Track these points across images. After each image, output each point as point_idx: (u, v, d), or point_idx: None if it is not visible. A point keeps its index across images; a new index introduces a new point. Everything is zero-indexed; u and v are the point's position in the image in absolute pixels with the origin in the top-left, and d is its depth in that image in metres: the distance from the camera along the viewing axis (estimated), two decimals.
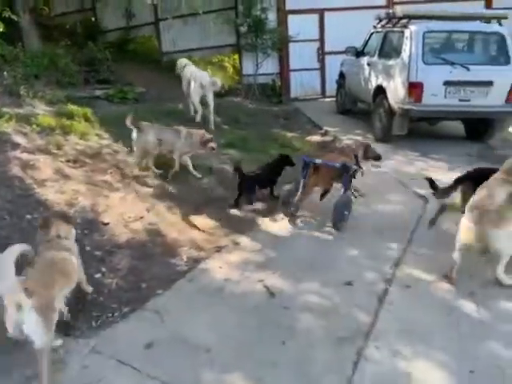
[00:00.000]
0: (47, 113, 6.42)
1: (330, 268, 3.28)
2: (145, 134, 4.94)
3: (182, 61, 8.00)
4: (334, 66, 10.68)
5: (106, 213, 4.06)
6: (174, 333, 2.56)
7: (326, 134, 7.90)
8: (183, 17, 10.45)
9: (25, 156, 4.76)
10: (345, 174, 3.98)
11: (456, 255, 3.00)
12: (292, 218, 4.13)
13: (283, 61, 11.04)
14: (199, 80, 7.30)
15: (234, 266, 3.33)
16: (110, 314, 2.78)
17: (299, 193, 4.10)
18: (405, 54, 6.30)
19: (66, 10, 12.19)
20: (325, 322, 2.63)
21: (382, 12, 7.88)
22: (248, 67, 10.87)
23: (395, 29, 6.93)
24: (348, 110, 9.20)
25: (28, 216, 3.72)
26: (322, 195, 4.42)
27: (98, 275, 3.21)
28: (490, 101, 6.13)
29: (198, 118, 7.55)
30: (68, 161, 4.96)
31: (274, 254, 3.53)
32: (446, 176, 5.38)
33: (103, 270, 3.28)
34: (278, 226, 4.10)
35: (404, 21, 6.66)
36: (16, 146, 4.96)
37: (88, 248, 3.50)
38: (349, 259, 3.41)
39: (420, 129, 7.51)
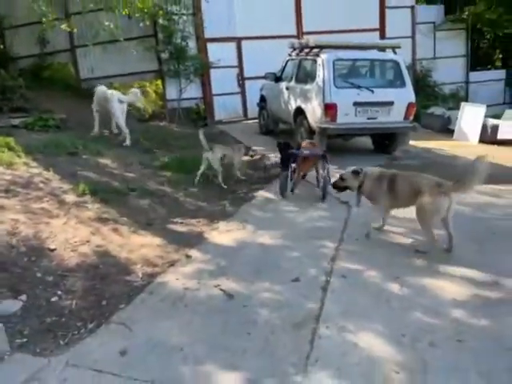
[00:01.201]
0: None
1: (276, 269, 3.66)
2: (215, 153, 6.26)
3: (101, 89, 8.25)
4: (253, 89, 11.46)
5: (50, 239, 4.03)
6: (144, 339, 2.72)
7: (253, 153, 8.43)
8: (102, 44, 10.45)
9: None
10: (323, 159, 5.61)
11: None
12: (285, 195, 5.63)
13: (206, 86, 11.52)
14: (117, 98, 7.64)
15: (189, 276, 3.56)
16: (76, 332, 2.85)
17: (295, 176, 5.72)
18: (319, 79, 7.09)
19: None
20: (280, 313, 2.98)
21: (295, 41, 8.73)
22: (171, 92, 11.15)
23: (308, 57, 7.76)
24: (271, 130, 9.87)
25: None
26: (304, 176, 6.00)
27: (54, 298, 3.23)
28: (392, 118, 7.13)
29: (128, 142, 7.73)
30: None
31: (224, 262, 3.82)
32: None
33: (59, 293, 3.31)
34: (224, 237, 4.40)
35: (316, 50, 7.50)
36: None
37: (39, 274, 3.49)
38: (292, 260, 3.83)
39: (335, 145, 8.36)
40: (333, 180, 4.78)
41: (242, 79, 11.94)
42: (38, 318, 3.03)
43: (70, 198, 4.96)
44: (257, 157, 8.09)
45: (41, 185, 5.22)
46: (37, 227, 4.16)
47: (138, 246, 4.17)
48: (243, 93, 12.07)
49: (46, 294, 3.26)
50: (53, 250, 3.87)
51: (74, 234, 4.20)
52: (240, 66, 11.88)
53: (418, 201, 3.82)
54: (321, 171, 5.68)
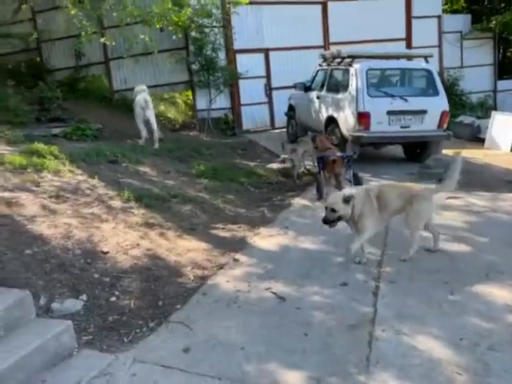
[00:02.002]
0: (12, 152, 6.37)
1: (323, 273, 3.73)
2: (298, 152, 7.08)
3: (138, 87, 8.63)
4: (280, 99, 11.62)
5: (103, 242, 4.20)
6: (205, 337, 2.82)
7: (284, 161, 8.55)
8: (135, 56, 10.79)
9: (6, 195, 4.76)
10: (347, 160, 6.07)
11: None
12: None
13: (234, 96, 11.73)
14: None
15: (239, 279, 3.66)
16: (138, 330, 2.98)
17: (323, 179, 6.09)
18: (352, 88, 7.18)
19: (9, 50, 12.00)
20: (334, 315, 3.04)
21: (327, 52, 8.85)
22: (201, 103, 11.40)
23: (340, 67, 7.86)
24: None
25: (28, 251, 3.77)
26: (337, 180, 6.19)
27: (113, 298, 3.38)
28: (425, 126, 7.15)
29: (156, 145, 8.13)
30: (50, 197, 5.01)
31: (271, 266, 3.91)
32: None
33: (116, 293, 3.45)
34: (267, 242, 4.50)
35: (348, 60, 7.60)
36: None
37: (96, 275, 3.65)
38: (337, 265, 3.90)
39: (366, 153, 8.40)
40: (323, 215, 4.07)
41: (269, 89, 12.12)
42: (100, 316, 3.18)
43: (117, 203, 5.14)
44: (288, 165, 8.23)
45: (88, 191, 5.42)
46: (89, 231, 4.34)
47: (185, 249, 4.30)
48: (270, 102, 12.24)
49: (105, 294, 3.41)
50: (106, 253, 4.03)
51: (124, 237, 4.36)
52: (268, 76, 12.07)
53: (413, 207, 3.87)
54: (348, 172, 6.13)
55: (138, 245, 4.27)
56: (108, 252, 4.05)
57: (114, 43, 9.39)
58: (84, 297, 3.36)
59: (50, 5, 10.63)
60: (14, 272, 3.43)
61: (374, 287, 3.44)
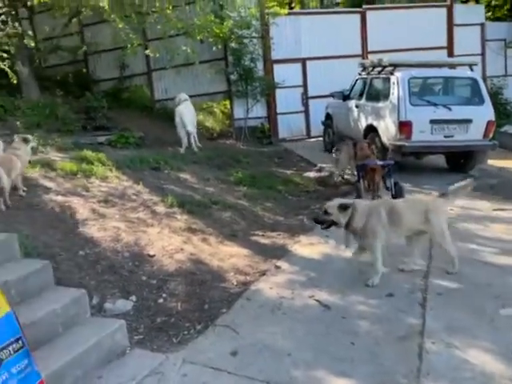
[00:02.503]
0: (62, 159, 6.70)
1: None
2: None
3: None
4: (316, 108, 11.63)
5: (149, 246, 4.35)
6: (251, 341, 2.87)
7: (320, 169, 8.54)
8: (176, 67, 11.12)
9: (59, 198, 5.02)
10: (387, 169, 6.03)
11: None
12: None
13: (271, 105, 11.83)
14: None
15: (282, 286, 3.69)
16: (186, 332, 3.06)
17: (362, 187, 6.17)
18: (393, 97, 7.10)
19: (58, 62, 12.66)
20: (381, 326, 3.01)
21: (367, 60, 8.81)
22: (239, 112, 11.57)
23: (381, 75, 7.79)
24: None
25: (81, 252, 3.96)
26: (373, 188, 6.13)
27: (160, 300, 3.49)
28: (470, 136, 6.96)
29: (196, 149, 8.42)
30: (99, 201, 5.23)
31: (313, 274, 3.91)
32: None
33: (164, 295, 3.56)
34: (308, 250, 4.51)
35: (389, 68, 7.53)
36: (47, 189, 5.22)
37: (143, 277, 3.78)
38: (382, 275, 3.83)
39: (408, 163, 8.25)
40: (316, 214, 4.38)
41: (306, 98, 12.15)
42: (149, 317, 3.29)
43: (161, 209, 5.30)
44: (325, 173, 8.20)
45: (133, 196, 5.63)
46: (136, 234, 4.50)
47: (228, 255, 4.38)
48: (307, 111, 12.25)
49: (153, 296, 3.53)
50: (152, 256, 4.17)
51: (168, 242, 4.49)
52: (304, 85, 12.11)
53: (432, 222, 3.71)
54: (388, 181, 6.07)
55: (182, 249, 4.39)
56: (154, 255, 4.19)
57: (157, 55, 9.72)
58: (133, 298, 3.49)
59: (97, 19, 11.15)
60: (68, 272, 3.61)
61: (421, 299, 3.38)
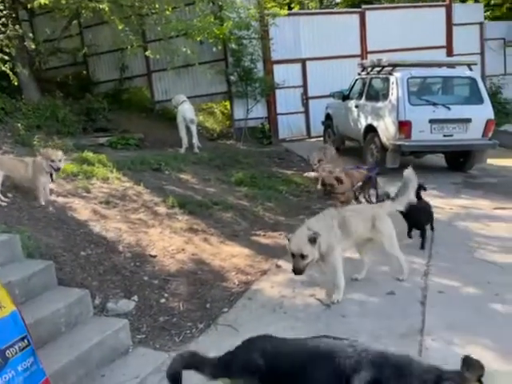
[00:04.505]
0: (63, 160, 6.72)
1: (368, 282, 3.72)
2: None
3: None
4: (316, 108, 11.65)
5: (150, 247, 4.38)
6: None
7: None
8: (176, 68, 11.15)
9: (60, 200, 5.05)
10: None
11: None
12: None
13: (271, 106, 11.86)
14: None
15: (283, 285, 3.71)
16: (188, 331, 3.09)
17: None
18: (392, 97, 7.13)
19: (58, 64, 12.69)
20: (382, 323, 3.03)
21: (366, 60, 8.83)
22: (239, 112, 11.60)
23: (380, 75, 7.82)
24: (336, 148, 9.92)
25: (83, 253, 3.99)
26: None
27: (162, 300, 3.52)
28: (469, 135, 6.98)
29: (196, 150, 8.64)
30: (101, 202, 5.26)
31: (314, 273, 3.93)
32: (441, 202, 6.10)
33: (165, 295, 3.59)
34: None
35: (388, 68, 7.56)
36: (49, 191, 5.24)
37: (145, 278, 3.81)
38: (383, 274, 3.87)
39: (407, 162, 8.27)
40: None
41: (306, 98, 12.17)
42: (151, 316, 3.32)
43: (162, 209, 5.33)
44: (325, 172, 8.22)
45: (134, 197, 5.65)
46: (137, 235, 4.52)
47: (229, 255, 4.41)
48: (307, 112, 12.28)
49: (155, 296, 3.56)
50: (154, 257, 4.20)
51: (170, 242, 4.52)
52: (304, 85, 12.14)
53: (378, 229, 3.62)
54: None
55: (183, 249, 4.42)
56: (156, 256, 4.21)
57: (157, 56, 9.74)
58: (135, 298, 3.52)
59: (97, 20, 11.18)
60: (70, 273, 3.63)
61: (421, 297, 3.40)
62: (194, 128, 8.80)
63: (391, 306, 3.27)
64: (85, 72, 13.11)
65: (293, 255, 3.19)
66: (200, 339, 2.97)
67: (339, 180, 5.43)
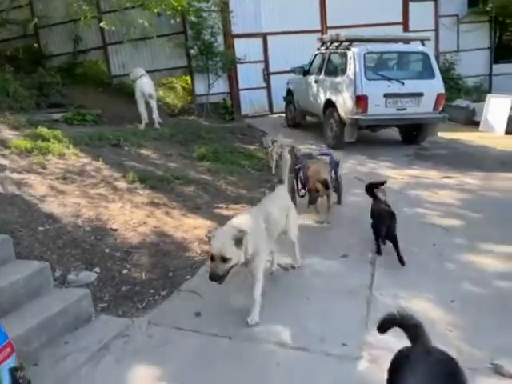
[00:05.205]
0: (16, 136, 6.47)
1: (324, 247, 3.93)
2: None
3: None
4: (278, 84, 11.69)
5: (111, 221, 4.37)
6: (216, 303, 3.03)
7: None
8: (133, 41, 10.80)
9: (15, 176, 4.90)
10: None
11: None
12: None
13: (232, 81, 11.79)
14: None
15: None
16: (151, 298, 3.17)
17: None
18: (350, 72, 7.29)
19: (7, 36, 11.96)
20: (334, 282, 3.25)
21: (325, 36, 8.92)
22: (200, 88, 11.46)
23: (338, 50, 7.95)
24: (298, 123, 10.09)
25: (41, 228, 3.94)
26: None
27: (125, 271, 3.56)
28: (421, 109, 7.30)
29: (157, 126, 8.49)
30: (58, 178, 5.15)
31: None
32: (394, 172, 6.41)
33: (128, 266, 3.63)
34: None
35: (346, 44, 7.69)
36: (2, 167, 5.07)
37: (107, 250, 3.83)
38: (338, 239, 4.08)
39: (363, 136, 8.56)
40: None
41: (267, 74, 12.18)
42: (114, 287, 3.36)
43: (122, 184, 5.29)
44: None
45: (93, 173, 5.56)
46: (97, 210, 4.50)
47: (191, 227, 4.48)
48: (269, 87, 12.30)
49: (117, 267, 3.59)
50: (115, 230, 4.21)
51: (131, 216, 4.52)
52: (266, 60, 12.12)
53: (290, 216, 3.42)
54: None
55: (145, 223, 4.44)
56: (117, 229, 4.22)
57: (113, 28, 9.39)
58: (97, 269, 3.54)
59: None
60: (28, 247, 3.59)
61: (371, 258, 3.64)
62: (153, 103, 8.64)
63: (344, 267, 3.49)
64: (36, 45, 12.46)
65: (212, 258, 2.60)
66: (163, 305, 3.06)
67: (323, 183, 4.55)
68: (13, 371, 1.97)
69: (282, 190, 3.61)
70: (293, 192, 4.85)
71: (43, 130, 6.68)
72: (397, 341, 1.91)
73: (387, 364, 1.76)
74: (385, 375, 1.75)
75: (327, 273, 3.40)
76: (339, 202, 5.21)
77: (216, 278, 2.60)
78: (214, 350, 2.56)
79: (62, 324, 2.68)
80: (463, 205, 4.99)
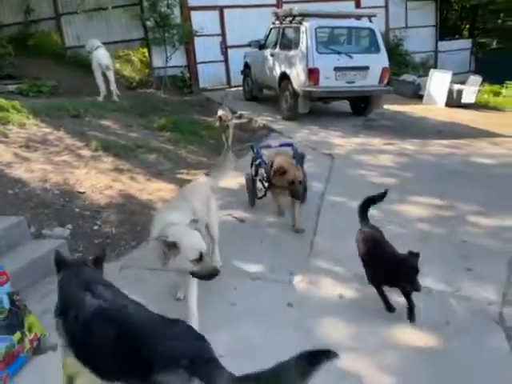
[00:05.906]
0: None
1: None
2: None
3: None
4: (236, 57, 11.89)
5: (78, 185, 4.64)
6: None
7: (241, 116, 9.08)
8: (88, 12, 10.63)
9: None
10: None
11: None
12: None
13: (190, 54, 11.88)
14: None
15: None
16: (122, 247, 3.56)
17: None
18: (303, 46, 7.72)
19: None
20: (283, 230, 3.77)
21: (279, 10, 9.24)
22: (157, 60, 11.48)
23: (292, 25, 8.33)
24: (255, 96, 10.45)
25: (10, 191, 4.16)
26: None
27: (95, 227, 3.91)
28: (368, 82, 7.87)
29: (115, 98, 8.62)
30: (21, 146, 5.29)
31: (232, 199, 4.56)
32: (343, 141, 7.00)
33: (98, 223, 3.98)
34: (228, 183, 5.08)
35: (299, 18, 8.07)
36: None
37: (77, 210, 4.13)
38: None
39: (317, 108, 9.08)
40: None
41: (225, 47, 12.35)
42: (87, 240, 3.71)
43: (86, 152, 5.52)
44: (244, 120, 8.79)
45: (56, 142, 5.73)
46: (64, 175, 4.75)
47: (155, 190, 4.84)
48: (226, 61, 12.49)
49: (88, 224, 3.93)
50: (82, 193, 4.50)
51: (97, 180, 4.81)
52: (223, 34, 12.26)
53: (212, 207, 3.24)
54: None
55: (111, 186, 4.75)
56: (84, 192, 4.51)
57: None
58: (69, 226, 3.86)
59: None
60: (1, 209, 3.83)
61: (317, 210, 4.18)
62: (111, 75, 8.67)
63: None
64: None
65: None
66: (134, 253, 3.45)
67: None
68: (10, 295, 2.31)
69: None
70: (253, 194, 4.36)
71: (1, 101, 6.68)
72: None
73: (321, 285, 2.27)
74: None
75: (278, 223, 3.94)
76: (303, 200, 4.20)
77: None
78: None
79: (44, 268, 3.00)
80: (399, 167, 5.65)
